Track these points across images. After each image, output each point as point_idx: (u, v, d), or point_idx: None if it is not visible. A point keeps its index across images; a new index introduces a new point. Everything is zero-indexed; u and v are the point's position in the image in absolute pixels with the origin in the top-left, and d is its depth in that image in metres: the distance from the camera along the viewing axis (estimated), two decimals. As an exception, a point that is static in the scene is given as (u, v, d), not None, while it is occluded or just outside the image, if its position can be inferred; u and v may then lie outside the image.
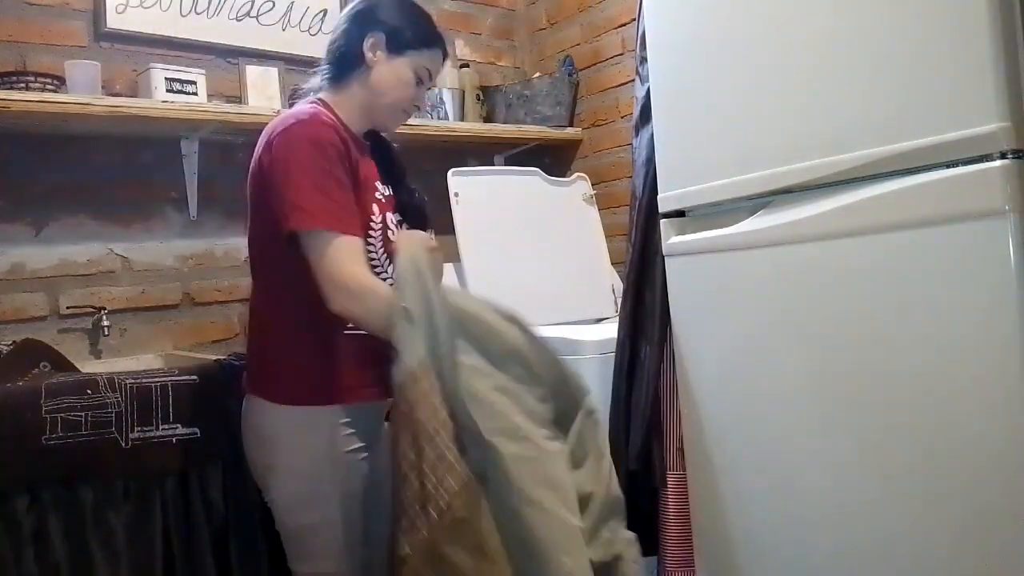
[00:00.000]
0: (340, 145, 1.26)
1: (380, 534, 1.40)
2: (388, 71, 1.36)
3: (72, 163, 1.99)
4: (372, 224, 1.33)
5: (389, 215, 1.38)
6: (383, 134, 1.49)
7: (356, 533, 1.32)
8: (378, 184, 1.38)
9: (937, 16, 1.12)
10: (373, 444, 1.37)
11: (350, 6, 1.43)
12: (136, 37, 2.08)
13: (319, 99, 1.39)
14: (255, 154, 1.33)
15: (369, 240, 1.31)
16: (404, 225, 1.44)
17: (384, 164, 1.45)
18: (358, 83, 1.37)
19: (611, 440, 1.67)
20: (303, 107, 1.34)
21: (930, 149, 1.13)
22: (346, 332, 1.30)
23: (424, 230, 1.45)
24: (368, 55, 1.36)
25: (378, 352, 1.27)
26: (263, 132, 1.33)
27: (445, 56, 1.44)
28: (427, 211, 1.52)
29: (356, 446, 1.32)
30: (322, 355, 1.30)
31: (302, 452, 1.30)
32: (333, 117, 1.33)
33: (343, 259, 1.21)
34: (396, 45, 1.36)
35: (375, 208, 1.34)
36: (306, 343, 1.31)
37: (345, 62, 1.38)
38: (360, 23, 1.38)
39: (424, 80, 1.40)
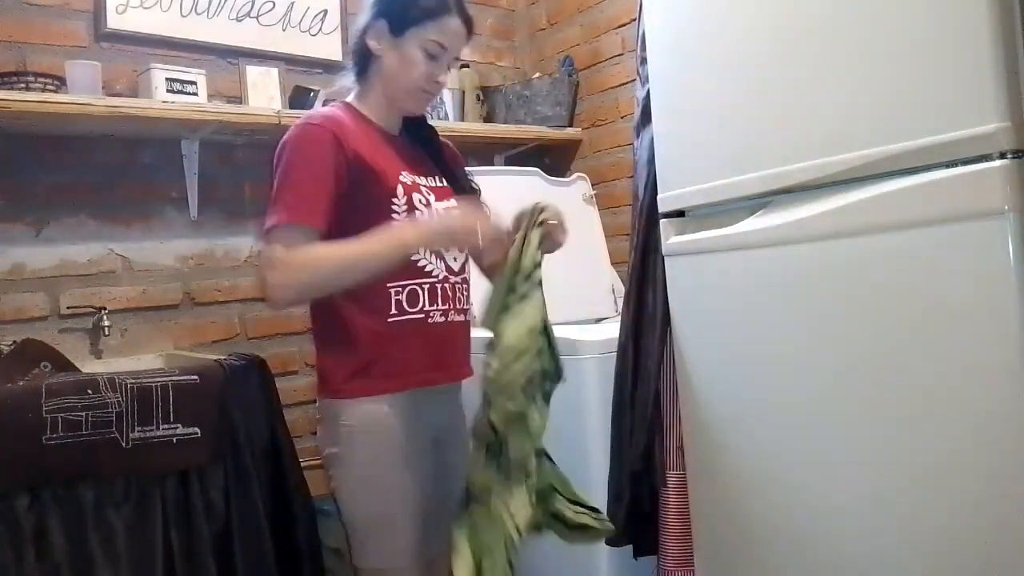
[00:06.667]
0: (329, 140, 1.27)
1: (445, 531, 1.41)
2: (394, 56, 1.35)
3: (73, 163, 1.99)
4: (395, 205, 1.32)
5: (420, 196, 1.36)
6: (431, 124, 1.51)
7: (417, 530, 1.32)
8: (405, 172, 1.37)
9: (937, 16, 1.12)
10: (441, 438, 1.39)
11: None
12: (136, 37, 2.08)
13: (342, 102, 1.41)
14: None
15: (393, 221, 1.32)
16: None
17: (433, 155, 1.47)
18: (376, 76, 1.38)
19: (614, 439, 1.68)
20: (326, 107, 1.39)
21: (930, 149, 1.13)
22: (390, 320, 1.31)
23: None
24: (374, 46, 1.36)
25: (431, 336, 1.32)
26: None
27: (466, 23, 1.38)
28: (477, 198, 1.51)
29: (418, 438, 1.34)
30: (368, 347, 1.31)
31: (362, 442, 1.31)
32: (337, 115, 1.34)
33: (278, 246, 1.23)
34: (397, 26, 1.34)
35: (400, 190, 1.33)
36: (350, 337, 1.31)
37: (361, 59, 1.40)
38: (367, 18, 1.38)
39: (436, 54, 1.35)
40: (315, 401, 2.29)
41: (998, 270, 1.07)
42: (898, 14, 1.17)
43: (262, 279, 1.26)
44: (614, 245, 2.46)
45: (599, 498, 1.70)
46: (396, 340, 1.31)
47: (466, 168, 1.56)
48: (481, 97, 2.65)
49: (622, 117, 2.53)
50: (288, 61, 2.32)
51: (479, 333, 1.33)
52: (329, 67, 2.43)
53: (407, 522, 1.31)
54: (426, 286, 1.33)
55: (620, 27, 2.52)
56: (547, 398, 1.29)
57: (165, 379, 1.48)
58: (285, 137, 1.30)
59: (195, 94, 2.00)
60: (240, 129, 2.11)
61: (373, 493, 1.31)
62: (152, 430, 1.45)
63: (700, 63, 1.49)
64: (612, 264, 2.44)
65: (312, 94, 2.22)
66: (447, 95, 2.51)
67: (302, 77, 2.33)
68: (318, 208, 1.25)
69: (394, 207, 1.32)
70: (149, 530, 1.44)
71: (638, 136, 1.70)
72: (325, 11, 2.39)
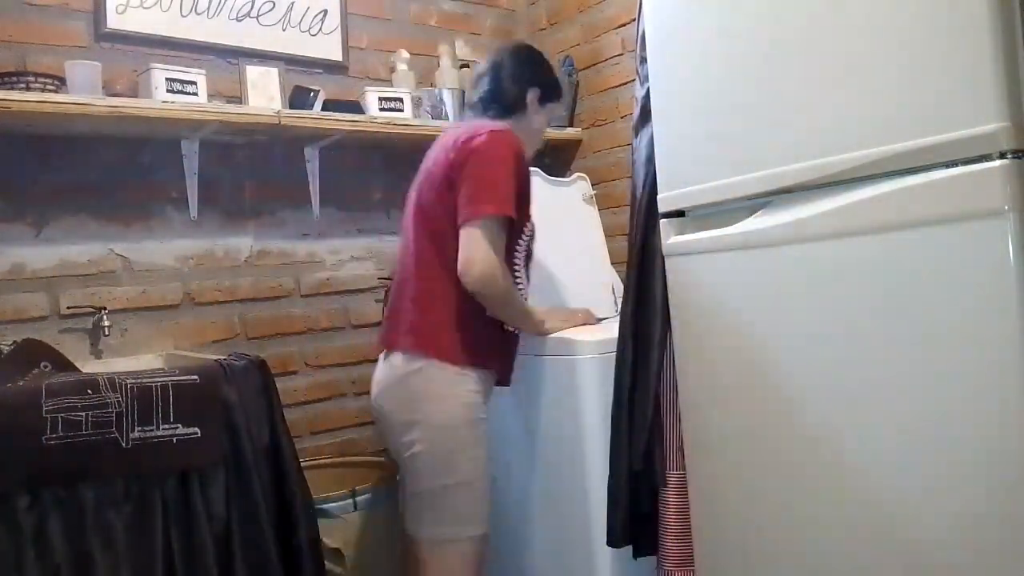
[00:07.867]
0: (523, 154, 1.65)
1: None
2: (540, 117, 1.84)
3: (73, 163, 1.99)
4: (522, 238, 1.70)
5: (531, 238, 1.77)
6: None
7: (487, 498, 1.60)
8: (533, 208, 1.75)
9: (937, 15, 1.12)
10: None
11: (513, 57, 1.82)
12: (136, 37, 2.08)
13: (506, 128, 1.69)
14: (444, 147, 1.65)
15: (518, 245, 1.68)
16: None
17: None
18: (516, 120, 1.78)
19: (614, 439, 1.68)
20: (496, 123, 1.69)
21: (930, 149, 1.13)
22: (505, 329, 1.69)
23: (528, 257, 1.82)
24: (531, 105, 1.81)
25: (515, 346, 1.75)
26: (450, 135, 1.68)
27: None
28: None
29: (483, 415, 1.62)
30: (480, 324, 1.62)
31: (444, 412, 1.56)
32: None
33: (491, 247, 1.54)
34: (546, 97, 1.84)
35: (528, 227, 1.71)
36: (470, 311, 1.60)
37: (509, 103, 1.78)
38: (524, 77, 1.80)
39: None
40: (314, 401, 2.33)
41: (998, 270, 1.07)
42: (898, 14, 1.17)
43: (469, 256, 1.52)
44: (614, 245, 2.46)
45: (599, 498, 1.70)
46: (502, 343, 1.69)
47: None
48: (481, 97, 2.65)
49: (622, 117, 2.53)
50: (288, 61, 2.32)
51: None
52: (329, 67, 2.43)
53: (484, 491, 1.59)
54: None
55: (620, 27, 2.52)
56: None
57: (165, 379, 1.48)
58: (495, 138, 1.60)
59: (195, 94, 2.00)
60: (240, 129, 2.11)
61: (453, 463, 1.54)
62: (152, 430, 1.45)
63: (700, 63, 1.49)
64: (612, 264, 2.44)
65: (312, 94, 2.22)
66: (447, 95, 2.51)
67: (302, 77, 2.33)
68: (515, 203, 1.60)
69: (521, 238, 1.69)
70: (149, 530, 1.43)
71: (636, 135, 1.70)
72: (325, 11, 2.40)
